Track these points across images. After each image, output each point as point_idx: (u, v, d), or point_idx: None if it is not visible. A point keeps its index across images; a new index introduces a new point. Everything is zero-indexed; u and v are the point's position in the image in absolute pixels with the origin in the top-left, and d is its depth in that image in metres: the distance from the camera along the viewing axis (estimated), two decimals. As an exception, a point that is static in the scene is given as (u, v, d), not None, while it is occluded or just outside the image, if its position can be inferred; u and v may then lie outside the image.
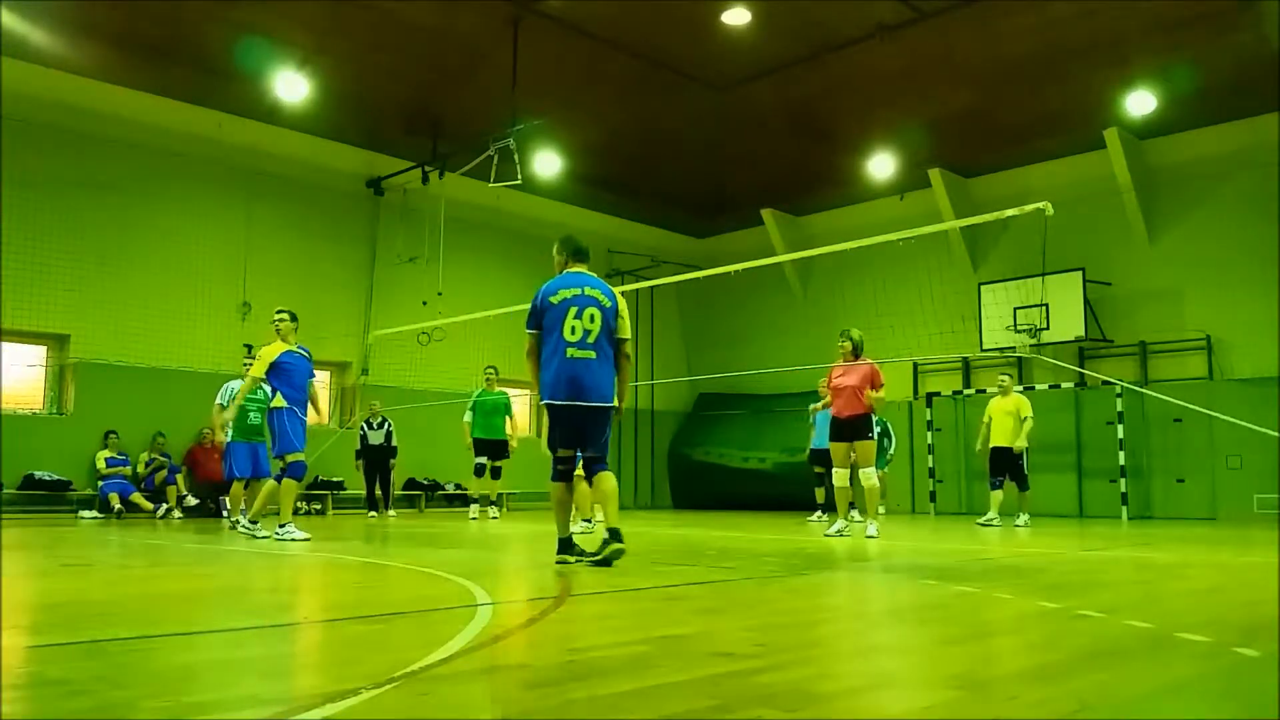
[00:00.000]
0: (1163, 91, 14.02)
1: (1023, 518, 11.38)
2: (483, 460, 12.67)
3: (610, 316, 5.71)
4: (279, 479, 8.14)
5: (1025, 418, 11.42)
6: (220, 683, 2.49)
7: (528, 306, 5.75)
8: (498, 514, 12.88)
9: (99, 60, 13.06)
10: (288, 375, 8.23)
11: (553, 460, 5.75)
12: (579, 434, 5.68)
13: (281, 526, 7.92)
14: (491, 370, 12.90)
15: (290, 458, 8.09)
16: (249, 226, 14.66)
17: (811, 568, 5.84)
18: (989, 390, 16.14)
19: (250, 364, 9.57)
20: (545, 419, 5.74)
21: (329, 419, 8.89)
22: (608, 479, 5.71)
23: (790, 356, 16.41)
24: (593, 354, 5.59)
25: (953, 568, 5.88)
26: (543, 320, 5.65)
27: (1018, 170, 16.25)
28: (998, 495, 11.51)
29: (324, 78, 14.07)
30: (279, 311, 8.51)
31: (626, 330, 5.81)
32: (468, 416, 12.71)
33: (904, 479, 16.86)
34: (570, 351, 5.55)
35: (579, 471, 9.20)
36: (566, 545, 5.72)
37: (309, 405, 8.50)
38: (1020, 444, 11.37)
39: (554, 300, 5.65)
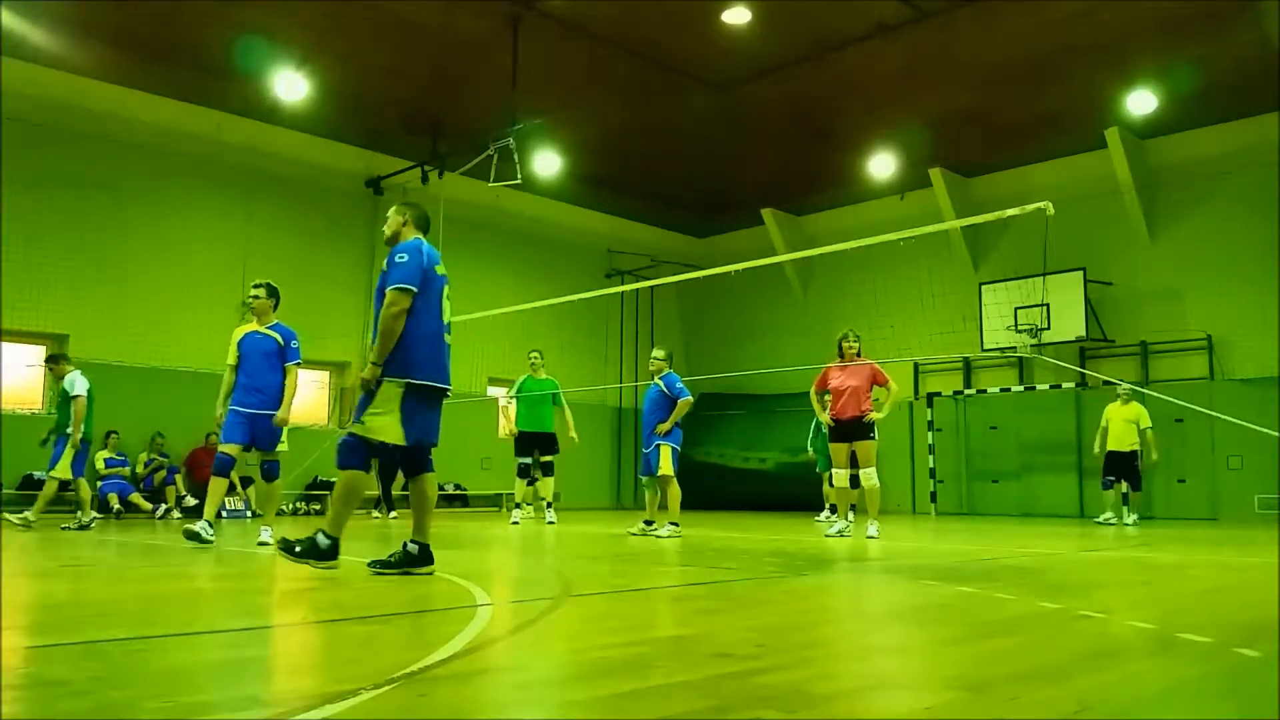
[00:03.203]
0: (1163, 91, 14.02)
1: (1132, 517, 12.22)
2: (527, 460, 11.42)
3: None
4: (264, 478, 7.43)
5: (1146, 428, 12.16)
6: (220, 683, 2.49)
7: (527, 307, 5.31)
8: (554, 517, 11.35)
9: (99, 60, 13.06)
10: (242, 360, 7.27)
11: (362, 445, 4.84)
12: (435, 424, 5.03)
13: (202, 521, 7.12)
14: (536, 355, 11.58)
15: (220, 449, 7.18)
16: (248, 226, 14.66)
17: (812, 568, 5.84)
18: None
19: None
20: (391, 405, 4.79)
21: (288, 416, 7.43)
22: (433, 483, 5.08)
23: (790, 356, 16.40)
24: (450, 338, 5.09)
25: (953, 568, 5.87)
26: (426, 287, 4.89)
27: (1018, 170, 16.26)
28: (1110, 495, 12.37)
29: (323, 77, 14.06)
30: (255, 285, 7.54)
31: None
32: (506, 397, 11.64)
33: (904, 479, 16.87)
34: (447, 336, 5.02)
35: (668, 470, 9.09)
36: (336, 550, 4.86)
37: (283, 394, 7.30)
38: (1154, 455, 12.23)
39: (438, 270, 4.98)
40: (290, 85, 13.81)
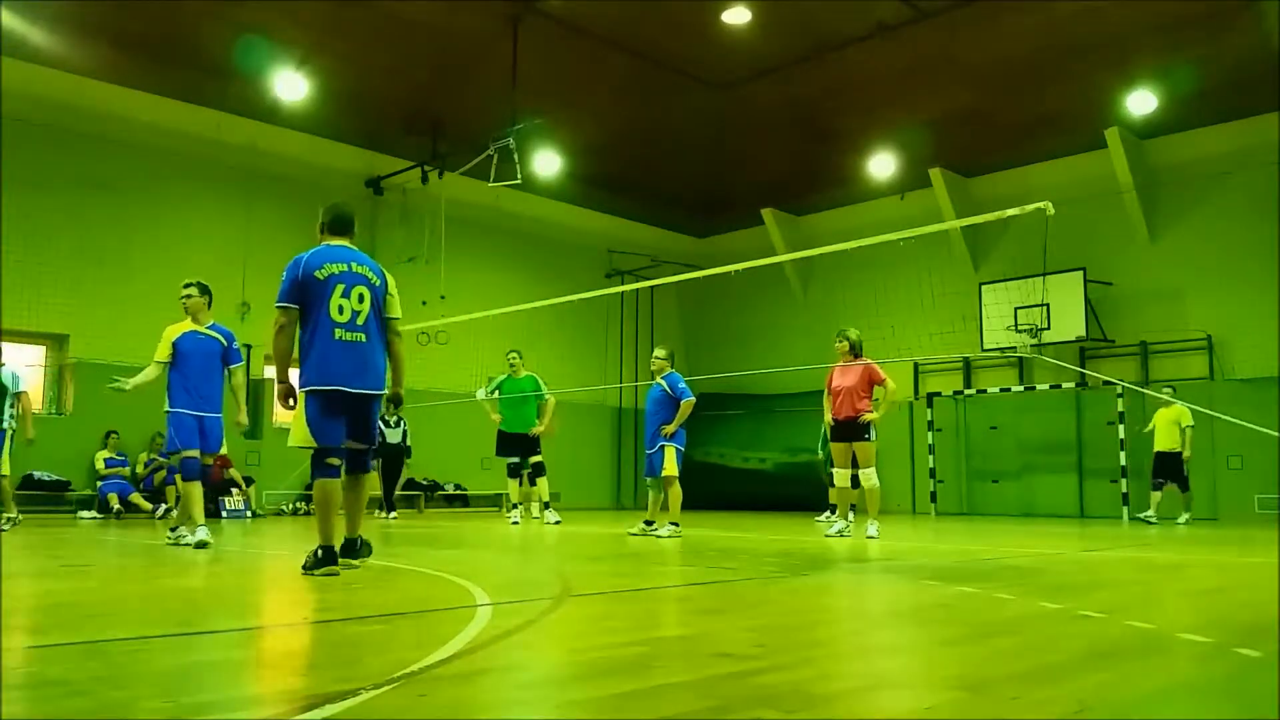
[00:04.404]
0: (1163, 91, 14.02)
1: (1184, 516, 12.51)
2: (514, 460, 11.37)
3: (379, 296, 5.23)
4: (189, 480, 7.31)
5: (1186, 426, 12.42)
6: (220, 683, 2.49)
7: (527, 307, 5.42)
8: (557, 516, 11.28)
9: (99, 60, 13.06)
10: (181, 362, 7.09)
11: (316, 455, 5.10)
12: (352, 424, 5.16)
13: (172, 530, 7.18)
14: (515, 355, 11.53)
15: (179, 455, 7.10)
16: (248, 226, 14.65)
17: (812, 568, 5.84)
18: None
19: None
20: (298, 409, 5.11)
21: (246, 418, 7.53)
22: (363, 483, 5.31)
23: (790, 357, 16.40)
24: (363, 336, 5.11)
25: (953, 568, 5.88)
26: (303, 296, 5.06)
27: (1019, 170, 16.25)
28: (1157, 495, 12.67)
29: (323, 77, 14.06)
30: (186, 285, 7.30)
31: (397, 309, 5.34)
32: (481, 393, 11.67)
33: (904, 479, 16.86)
34: (339, 333, 5.04)
35: (672, 470, 9.07)
36: (331, 555, 4.99)
37: (233, 397, 7.35)
38: (1187, 452, 12.49)
39: (319, 275, 5.05)
40: (290, 85, 13.81)
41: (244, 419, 7.31)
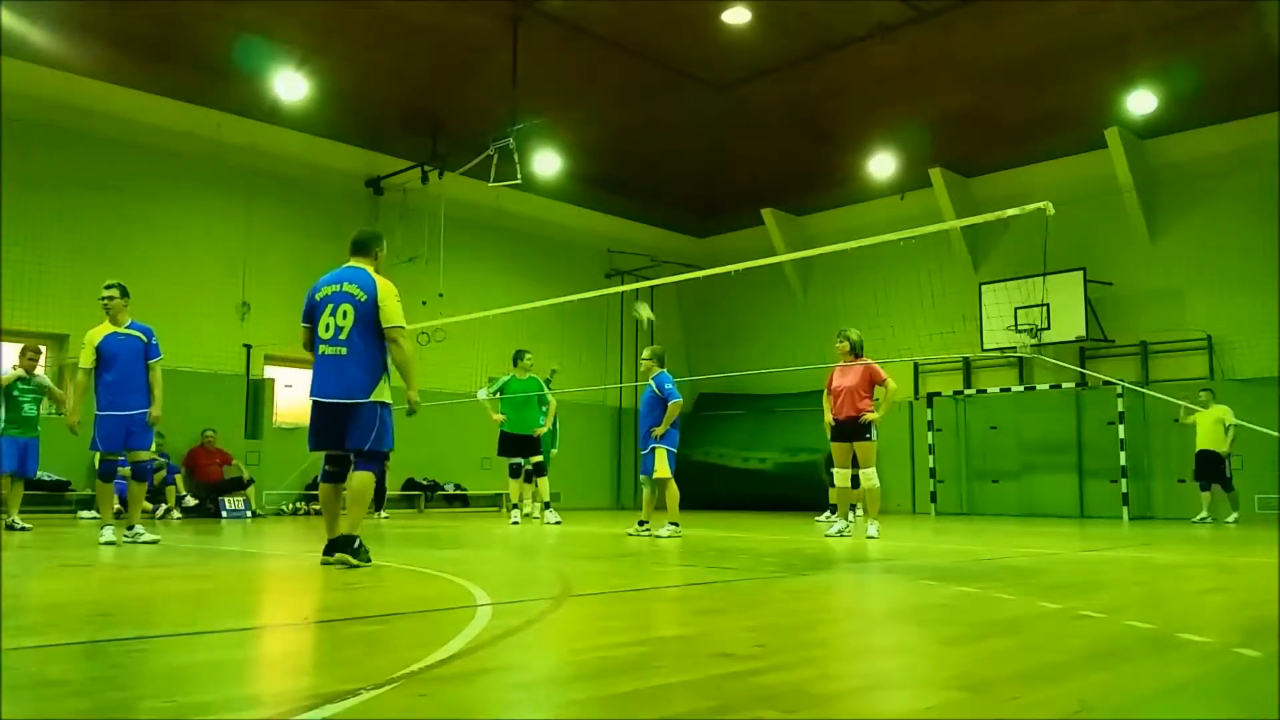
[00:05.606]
0: (1164, 91, 14.02)
1: (1233, 516, 12.62)
2: (517, 460, 11.37)
3: (366, 310, 5.45)
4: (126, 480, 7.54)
5: (1230, 424, 12.54)
6: (220, 683, 2.49)
7: (527, 307, 5.63)
8: (558, 517, 11.31)
9: (99, 60, 13.06)
10: (106, 363, 7.23)
11: (324, 461, 5.63)
12: (333, 432, 5.43)
13: (129, 529, 7.30)
14: (528, 355, 11.54)
15: (105, 457, 7.34)
16: (248, 226, 14.66)
17: (812, 568, 5.84)
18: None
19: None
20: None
21: (159, 410, 7.53)
22: (357, 479, 5.44)
23: (790, 356, 16.40)
24: (343, 350, 5.41)
25: (953, 568, 5.88)
26: (310, 317, 5.63)
27: (1019, 170, 16.26)
28: (1207, 496, 12.89)
29: (323, 77, 14.06)
30: (107, 286, 7.50)
31: (394, 318, 5.51)
32: (483, 393, 11.68)
33: (904, 479, 16.87)
34: (322, 349, 5.47)
35: (664, 472, 9.13)
36: (326, 548, 5.49)
37: (150, 394, 7.42)
38: (1227, 448, 12.65)
39: (318, 297, 5.60)
40: (290, 85, 13.81)
41: (157, 411, 7.50)
